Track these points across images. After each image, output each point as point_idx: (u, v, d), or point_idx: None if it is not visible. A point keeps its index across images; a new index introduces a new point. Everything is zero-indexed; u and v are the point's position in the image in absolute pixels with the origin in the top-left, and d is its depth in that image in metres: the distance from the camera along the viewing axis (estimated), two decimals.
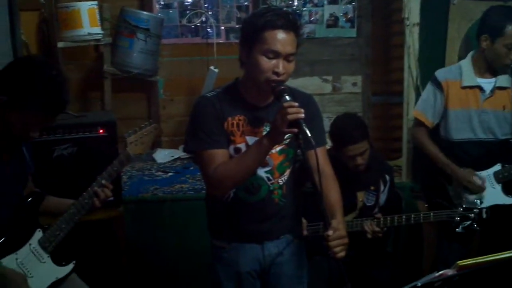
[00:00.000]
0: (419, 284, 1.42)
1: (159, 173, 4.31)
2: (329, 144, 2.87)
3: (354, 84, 4.95)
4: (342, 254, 2.12)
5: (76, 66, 4.63)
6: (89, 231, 3.08)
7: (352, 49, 4.90)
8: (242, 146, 2.31)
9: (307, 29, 4.77)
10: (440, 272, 1.47)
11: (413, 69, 4.06)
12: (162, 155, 4.60)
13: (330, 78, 4.92)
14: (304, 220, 2.70)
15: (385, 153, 4.61)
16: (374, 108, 4.95)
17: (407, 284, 1.43)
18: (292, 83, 2.35)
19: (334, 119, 3.29)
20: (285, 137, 2.23)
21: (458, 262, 1.47)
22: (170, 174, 4.28)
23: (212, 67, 4.51)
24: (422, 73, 4.03)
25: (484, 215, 3.09)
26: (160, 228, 3.72)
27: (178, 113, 4.82)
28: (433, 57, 4.10)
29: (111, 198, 2.64)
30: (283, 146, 2.33)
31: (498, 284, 3.25)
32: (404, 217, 3.11)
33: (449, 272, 1.49)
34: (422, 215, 3.14)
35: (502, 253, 1.56)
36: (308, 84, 4.75)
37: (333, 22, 4.84)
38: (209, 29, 4.78)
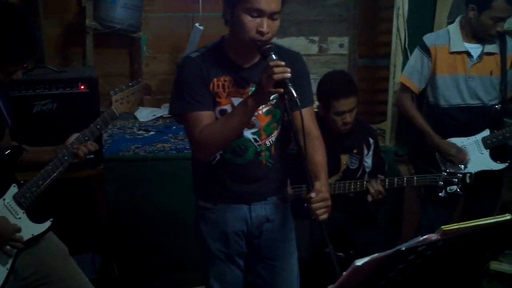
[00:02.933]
0: (403, 249, 1.39)
1: (141, 131, 4.26)
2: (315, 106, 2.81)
3: (341, 45, 4.90)
4: (325, 216, 2.09)
5: (57, 20, 4.51)
6: (68, 189, 3.04)
7: (340, 10, 4.83)
8: (228, 107, 2.25)
9: None
10: (424, 237, 1.45)
11: (401, 32, 4.00)
12: (144, 114, 4.54)
13: (316, 38, 4.86)
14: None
15: (369, 116, 4.60)
16: (360, 71, 4.90)
17: (389, 249, 1.39)
18: (278, 43, 2.28)
19: (323, 75, 3.20)
20: (272, 97, 2.18)
21: (443, 227, 1.44)
22: (152, 133, 4.23)
23: (197, 24, 4.41)
24: (411, 36, 3.97)
25: (468, 180, 3.09)
26: (141, 187, 3.68)
27: (162, 71, 4.74)
28: (422, 20, 4.04)
29: (91, 156, 2.58)
30: (269, 107, 2.28)
31: (480, 250, 3.27)
32: (387, 181, 3.08)
33: (433, 236, 1.46)
34: (405, 179, 3.13)
35: (487, 218, 1.53)
36: (294, 44, 4.69)
37: None
38: None
